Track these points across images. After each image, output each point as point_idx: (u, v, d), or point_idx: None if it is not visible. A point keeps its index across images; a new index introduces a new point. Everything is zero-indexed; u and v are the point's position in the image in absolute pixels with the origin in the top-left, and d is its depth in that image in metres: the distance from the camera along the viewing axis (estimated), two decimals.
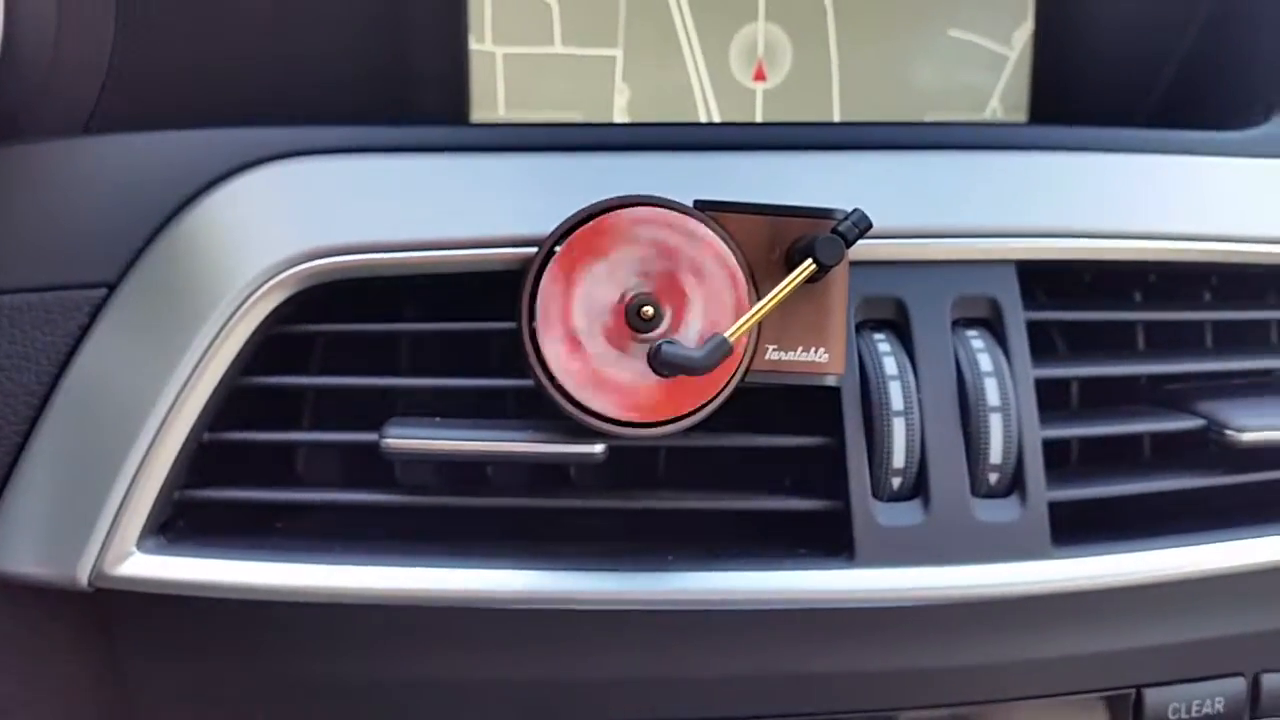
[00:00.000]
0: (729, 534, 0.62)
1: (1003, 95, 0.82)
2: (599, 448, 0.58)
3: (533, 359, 0.56)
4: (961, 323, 0.63)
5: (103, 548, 0.58)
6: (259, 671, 0.62)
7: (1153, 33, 0.81)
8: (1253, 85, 0.76)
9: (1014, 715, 0.65)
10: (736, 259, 0.57)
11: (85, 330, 0.59)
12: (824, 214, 0.57)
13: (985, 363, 0.61)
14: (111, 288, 0.59)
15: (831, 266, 0.56)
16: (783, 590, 0.59)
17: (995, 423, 0.60)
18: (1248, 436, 0.62)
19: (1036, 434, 0.61)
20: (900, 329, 0.62)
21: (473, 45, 0.78)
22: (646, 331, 0.56)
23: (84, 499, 0.58)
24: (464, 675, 0.61)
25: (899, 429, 0.60)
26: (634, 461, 0.62)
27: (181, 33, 0.72)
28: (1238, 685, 0.65)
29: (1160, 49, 0.81)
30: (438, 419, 0.60)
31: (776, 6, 0.79)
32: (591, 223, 0.57)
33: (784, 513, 0.61)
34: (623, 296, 0.57)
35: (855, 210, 0.56)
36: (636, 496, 0.61)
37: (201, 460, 0.60)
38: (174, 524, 0.61)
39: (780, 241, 0.58)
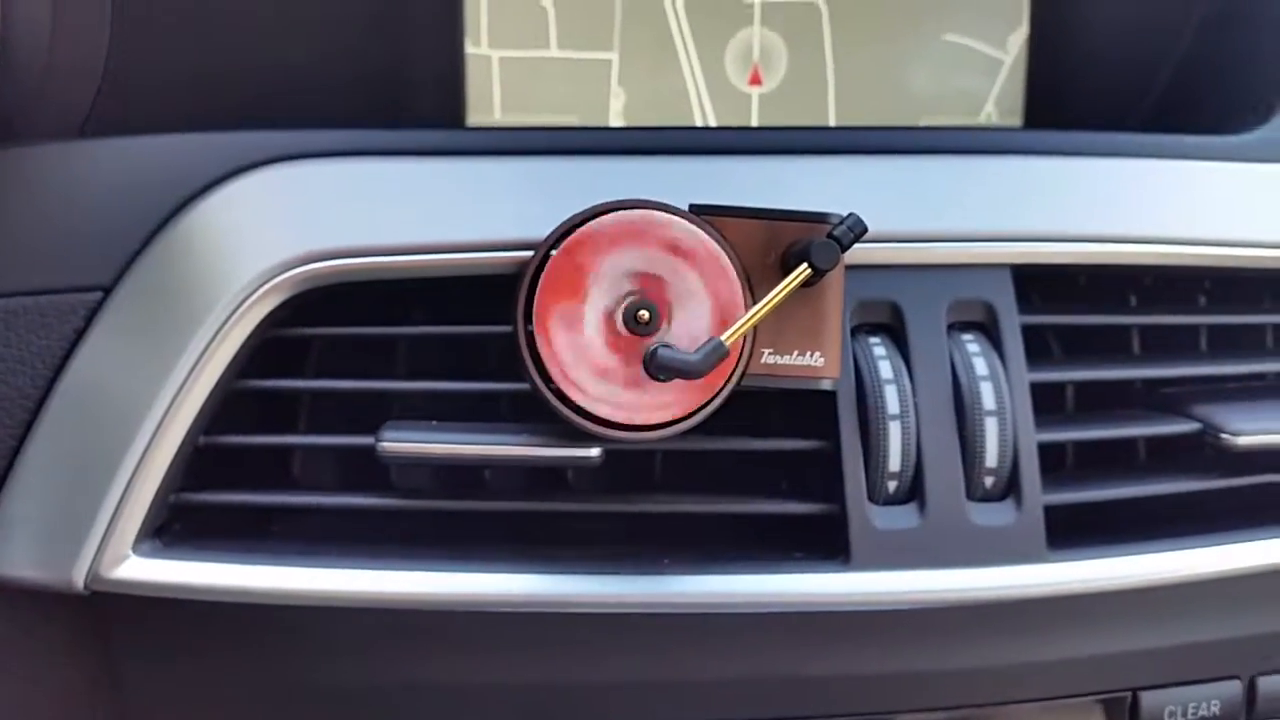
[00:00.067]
0: (726, 537, 0.62)
1: (998, 99, 0.82)
2: (595, 451, 0.58)
3: (528, 362, 0.56)
4: (957, 326, 0.63)
5: (98, 551, 0.58)
6: (255, 675, 0.61)
7: (1148, 37, 0.81)
8: (1247, 89, 0.76)
9: (1010, 718, 0.65)
10: (732, 263, 0.57)
11: (81, 334, 0.59)
12: (819, 218, 0.57)
13: (980, 367, 0.61)
14: (107, 291, 0.59)
15: (827, 271, 0.56)
16: (779, 594, 0.59)
17: (990, 426, 0.60)
18: (1243, 440, 0.62)
19: (1032, 438, 0.61)
20: (896, 333, 0.62)
21: (468, 49, 0.78)
22: (642, 335, 0.56)
23: (80, 502, 0.58)
24: (460, 679, 0.61)
25: (894, 433, 0.60)
26: (630, 465, 0.63)
27: (176, 37, 0.72)
28: (1233, 688, 0.65)
29: (1155, 53, 0.81)
30: (433, 423, 0.60)
31: (772, 11, 0.80)
32: (587, 227, 0.57)
33: (780, 516, 0.61)
34: (619, 300, 0.57)
35: (850, 215, 0.56)
36: (633, 500, 0.61)
37: (197, 463, 0.60)
38: (170, 527, 0.61)
39: (776, 245, 0.58)
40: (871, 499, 0.60)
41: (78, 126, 0.68)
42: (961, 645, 0.62)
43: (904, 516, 0.60)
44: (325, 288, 0.60)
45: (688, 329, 0.57)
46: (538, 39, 0.79)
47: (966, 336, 0.62)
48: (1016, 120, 0.82)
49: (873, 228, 0.57)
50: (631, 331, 0.56)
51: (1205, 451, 0.64)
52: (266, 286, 0.59)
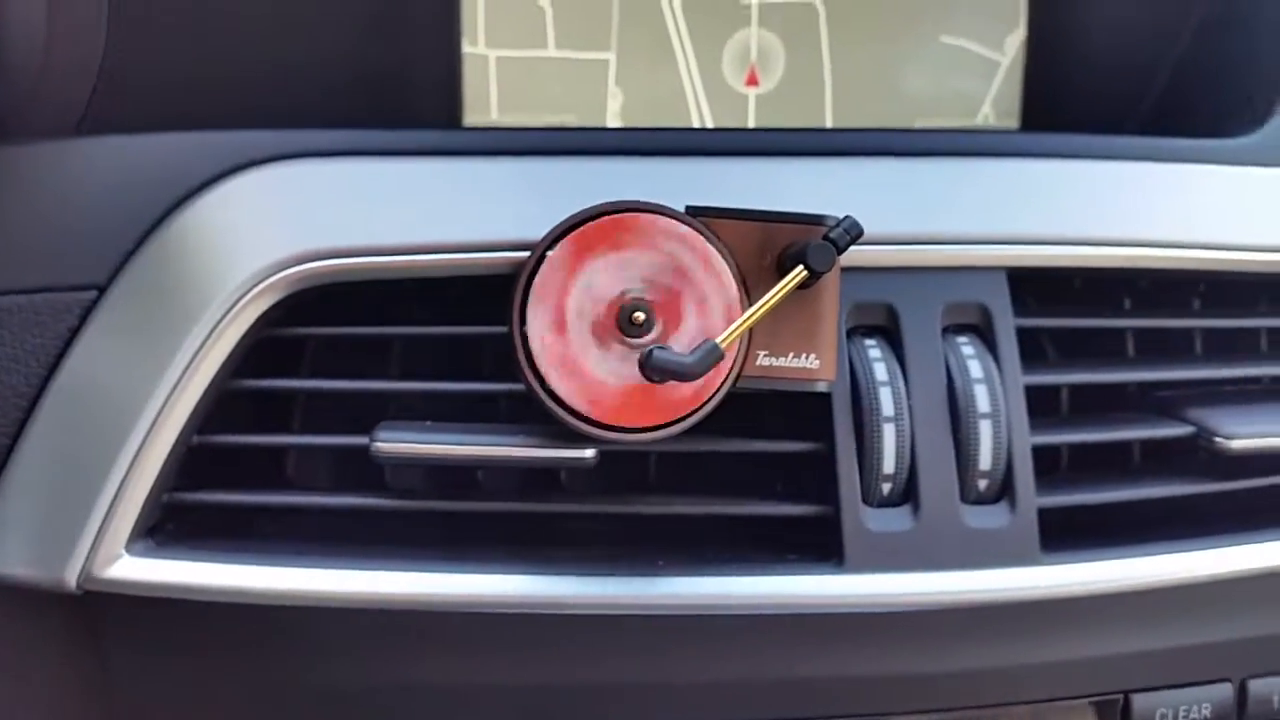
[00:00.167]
0: (720, 539, 0.62)
1: (995, 101, 0.82)
2: (590, 452, 0.58)
3: (524, 363, 0.56)
4: (952, 329, 0.63)
5: (91, 550, 0.58)
6: (249, 675, 0.61)
7: (1145, 40, 0.81)
8: (1245, 93, 0.76)
9: None
10: (728, 265, 0.57)
11: (75, 332, 0.59)
12: (816, 220, 0.57)
13: (975, 369, 0.61)
14: (101, 290, 0.59)
15: (823, 273, 0.56)
16: (773, 595, 0.59)
17: (985, 429, 0.60)
18: (1237, 444, 0.62)
19: (1026, 440, 0.61)
20: (891, 335, 0.62)
21: (466, 48, 0.78)
22: (638, 336, 0.56)
23: (73, 501, 0.58)
24: (454, 680, 0.61)
25: (889, 435, 0.60)
26: (625, 466, 0.62)
27: (172, 37, 0.72)
28: (1225, 691, 0.65)
29: (1153, 56, 0.81)
30: (428, 423, 0.60)
31: (769, 12, 0.80)
32: (584, 228, 0.57)
33: (775, 518, 0.61)
34: (614, 301, 0.57)
35: (847, 217, 0.56)
36: (627, 501, 0.61)
37: (191, 463, 0.60)
38: (163, 527, 0.61)
39: (772, 247, 0.58)
40: (866, 501, 0.60)
41: (73, 126, 0.68)
42: (955, 647, 0.62)
43: (898, 519, 0.60)
44: (320, 287, 0.60)
45: (683, 331, 0.57)
46: (535, 39, 0.79)
47: (961, 339, 0.62)
48: (1013, 122, 0.82)
49: (868, 230, 0.57)
50: (627, 333, 0.56)
51: (1199, 455, 0.64)
52: (261, 286, 0.59)
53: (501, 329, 0.57)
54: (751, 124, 0.81)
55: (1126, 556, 0.61)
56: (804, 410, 0.61)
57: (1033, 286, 0.66)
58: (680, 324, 0.57)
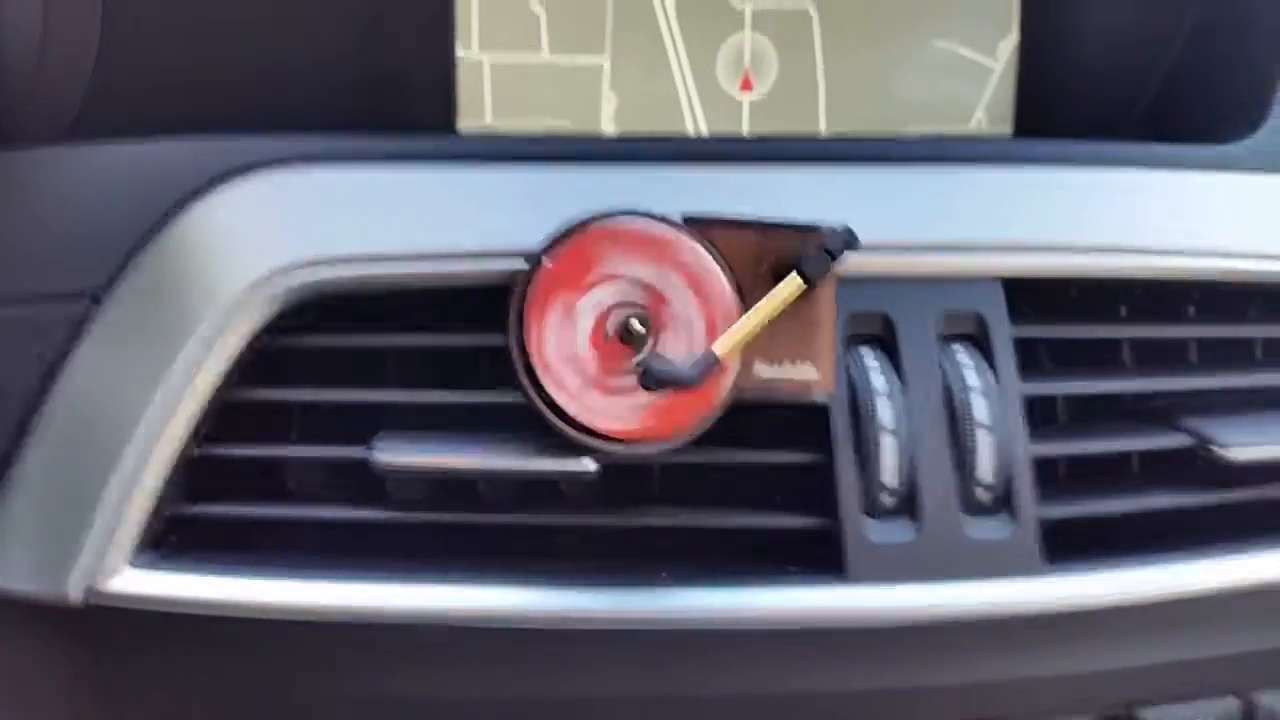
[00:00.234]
0: (721, 551, 0.62)
1: (988, 107, 0.82)
2: (590, 464, 0.58)
3: (522, 373, 0.56)
4: (948, 338, 0.63)
5: (93, 564, 0.57)
6: (252, 688, 0.61)
7: (1139, 44, 0.81)
8: (1238, 97, 0.76)
9: None
10: (725, 273, 0.57)
11: (72, 342, 0.59)
12: (811, 229, 0.57)
13: (973, 379, 0.61)
14: (99, 298, 0.59)
15: (818, 282, 0.56)
16: (774, 608, 0.59)
17: (984, 440, 0.60)
18: (1236, 454, 0.62)
19: (1026, 451, 0.61)
20: (887, 345, 0.62)
21: (459, 53, 0.78)
22: (635, 346, 0.56)
23: (74, 514, 0.57)
24: (456, 693, 0.61)
25: (888, 446, 0.60)
26: (626, 478, 0.62)
27: (166, 41, 0.72)
28: (1231, 706, 0.65)
29: (1146, 61, 0.81)
30: (428, 434, 0.59)
31: (763, 17, 0.79)
32: (580, 236, 0.57)
33: (776, 530, 0.61)
34: (611, 311, 0.56)
35: (843, 226, 0.56)
36: (627, 514, 0.61)
37: (192, 475, 0.60)
38: (166, 539, 0.60)
39: (767, 256, 0.58)
40: (866, 513, 0.60)
41: (67, 131, 0.68)
42: (957, 660, 0.62)
43: (899, 530, 0.60)
44: (317, 296, 0.59)
45: (680, 340, 0.57)
46: (529, 43, 0.78)
47: (958, 348, 0.62)
48: (1006, 128, 0.82)
49: (864, 238, 0.57)
50: (624, 342, 0.56)
51: (1198, 465, 0.64)
52: (259, 295, 0.58)
53: (499, 338, 0.57)
54: (745, 129, 0.81)
55: (1131, 568, 0.61)
56: (803, 421, 0.61)
57: (1028, 295, 0.65)
58: (677, 333, 0.57)
